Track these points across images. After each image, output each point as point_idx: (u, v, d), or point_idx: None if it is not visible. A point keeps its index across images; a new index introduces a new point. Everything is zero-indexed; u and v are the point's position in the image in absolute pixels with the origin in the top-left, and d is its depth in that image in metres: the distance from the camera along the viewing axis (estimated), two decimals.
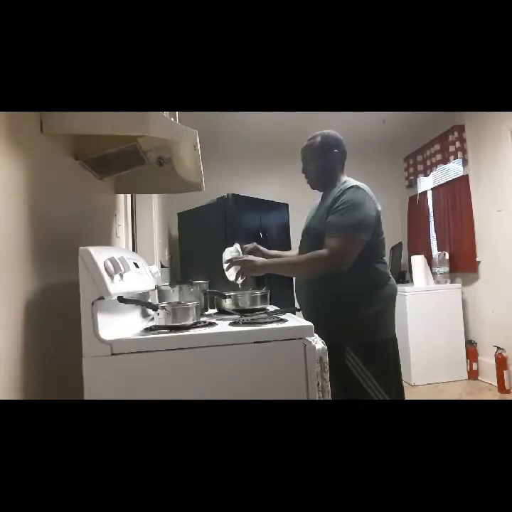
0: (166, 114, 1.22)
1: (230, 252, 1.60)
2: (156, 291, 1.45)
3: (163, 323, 1.07)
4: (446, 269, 3.62)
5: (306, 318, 1.48)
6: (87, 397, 0.92)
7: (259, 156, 4.31)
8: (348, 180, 1.58)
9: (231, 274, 1.53)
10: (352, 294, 1.46)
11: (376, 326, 1.48)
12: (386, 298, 1.52)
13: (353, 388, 1.41)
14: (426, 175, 4.02)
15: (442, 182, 3.82)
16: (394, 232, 4.37)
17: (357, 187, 1.49)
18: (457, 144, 3.45)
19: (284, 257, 1.69)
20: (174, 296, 1.41)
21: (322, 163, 1.60)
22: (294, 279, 1.73)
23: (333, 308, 1.46)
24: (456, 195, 3.58)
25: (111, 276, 1.01)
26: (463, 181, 3.49)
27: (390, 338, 1.52)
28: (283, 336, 1.01)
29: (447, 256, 3.65)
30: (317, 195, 1.69)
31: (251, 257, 1.53)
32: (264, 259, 1.54)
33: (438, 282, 3.61)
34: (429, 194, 4.05)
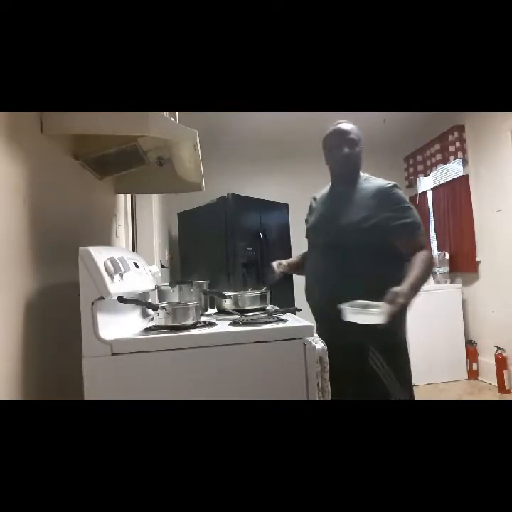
0: (166, 114, 1.22)
1: (363, 309, 1.32)
2: (156, 291, 1.45)
3: (163, 323, 1.07)
4: (446, 269, 3.62)
5: (323, 317, 1.46)
6: (87, 397, 0.92)
7: (260, 156, 4.31)
8: (370, 176, 1.57)
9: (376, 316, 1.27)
10: (377, 293, 1.38)
11: (398, 324, 1.46)
12: None
13: (376, 387, 1.41)
14: (426, 175, 4.02)
15: (442, 182, 3.82)
16: None
17: (396, 185, 1.52)
18: (457, 144, 3.45)
19: (302, 261, 1.67)
20: (174, 296, 1.41)
21: (357, 154, 1.56)
22: (303, 278, 1.66)
23: None
24: (456, 195, 3.58)
25: (111, 276, 1.01)
26: (463, 181, 3.49)
27: (406, 336, 1.53)
28: (283, 335, 1.01)
29: (447, 256, 3.65)
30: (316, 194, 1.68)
31: (398, 291, 1.30)
32: (405, 287, 1.32)
33: (438, 282, 3.61)
34: (429, 194, 4.05)
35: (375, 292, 1.34)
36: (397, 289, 1.30)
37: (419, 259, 1.40)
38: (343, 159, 1.53)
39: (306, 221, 1.70)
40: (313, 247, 1.62)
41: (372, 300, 1.32)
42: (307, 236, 1.67)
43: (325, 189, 1.69)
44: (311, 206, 1.72)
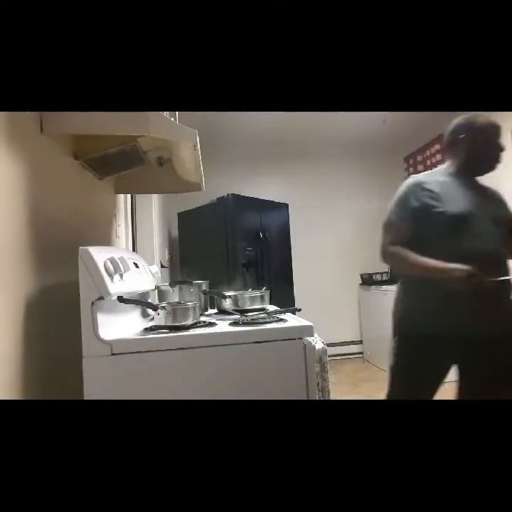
0: (166, 114, 1.22)
1: None
2: (156, 291, 1.45)
3: (163, 323, 1.07)
4: None
5: (492, 301, 1.39)
6: (87, 397, 0.92)
7: (260, 156, 4.31)
8: None
9: None
10: None
11: None
12: None
13: None
14: None
15: None
16: None
17: None
18: None
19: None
20: (174, 296, 1.41)
21: None
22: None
23: None
24: None
25: (111, 276, 1.01)
26: None
27: None
28: (283, 335, 1.01)
29: None
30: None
31: None
32: None
33: None
34: None
35: None
36: None
37: None
38: (501, 153, 1.60)
39: (434, 206, 1.52)
40: (472, 234, 1.48)
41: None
42: (438, 223, 1.50)
43: (441, 176, 1.64)
44: (423, 189, 1.57)
